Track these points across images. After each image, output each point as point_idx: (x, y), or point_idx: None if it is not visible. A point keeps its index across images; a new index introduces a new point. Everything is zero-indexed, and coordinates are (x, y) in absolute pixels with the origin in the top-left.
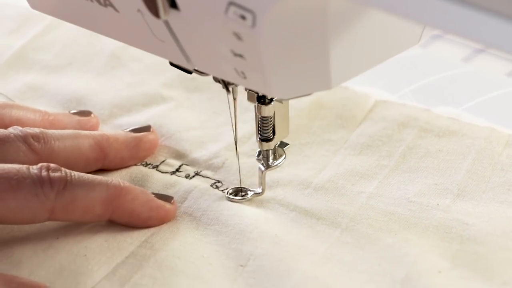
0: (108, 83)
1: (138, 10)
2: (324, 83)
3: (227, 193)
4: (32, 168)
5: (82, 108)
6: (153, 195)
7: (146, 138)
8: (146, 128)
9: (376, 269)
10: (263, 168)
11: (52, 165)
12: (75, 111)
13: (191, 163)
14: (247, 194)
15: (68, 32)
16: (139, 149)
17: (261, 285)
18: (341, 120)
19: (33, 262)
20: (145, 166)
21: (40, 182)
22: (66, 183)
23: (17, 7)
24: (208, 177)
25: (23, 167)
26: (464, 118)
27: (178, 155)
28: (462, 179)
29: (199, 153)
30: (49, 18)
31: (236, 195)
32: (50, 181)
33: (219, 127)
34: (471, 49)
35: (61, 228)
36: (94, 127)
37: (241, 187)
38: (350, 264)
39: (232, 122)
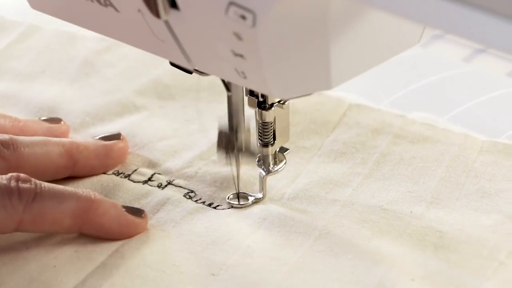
0: (81, 91)
1: (139, 10)
2: (324, 83)
3: (227, 198)
4: (1, 178)
5: (55, 116)
6: (124, 209)
7: (116, 146)
8: (116, 136)
9: (349, 277)
10: (263, 173)
11: (22, 175)
12: (45, 117)
13: (164, 172)
14: (248, 199)
15: (42, 40)
16: (109, 157)
17: None
18: (315, 125)
19: (1, 273)
20: (117, 175)
21: (8, 193)
22: (35, 195)
23: None
24: (181, 187)
25: None
26: (439, 124)
27: (151, 164)
28: (436, 187)
29: (171, 162)
30: (23, 27)
31: (236, 200)
32: (19, 192)
33: (191, 135)
34: (471, 49)
35: (31, 238)
36: (64, 134)
37: (241, 192)
38: (323, 272)
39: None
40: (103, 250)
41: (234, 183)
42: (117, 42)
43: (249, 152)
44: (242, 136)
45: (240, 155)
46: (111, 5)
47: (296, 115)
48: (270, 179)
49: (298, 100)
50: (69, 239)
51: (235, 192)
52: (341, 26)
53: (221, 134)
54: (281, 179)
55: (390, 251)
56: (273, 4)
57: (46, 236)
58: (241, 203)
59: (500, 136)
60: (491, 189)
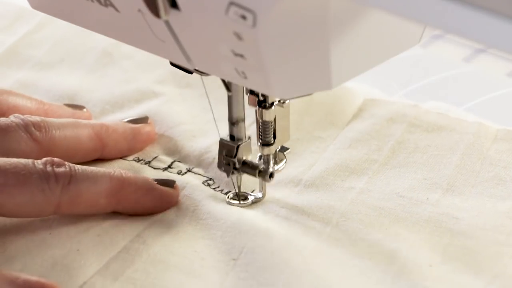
0: (100, 80)
1: (139, 10)
2: (325, 83)
3: (228, 197)
4: (37, 163)
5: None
6: (155, 182)
7: (144, 129)
8: (144, 120)
9: (367, 263)
10: None
11: (56, 159)
12: (68, 103)
13: (183, 159)
14: (248, 198)
15: (60, 29)
16: (137, 140)
17: (253, 279)
18: (332, 116)
19: (25, 257)
20: (138, 161)
21: (46, 177)
22: (71, 178)
23: (9, 4)
24: (200, 174)
25: (29, 161)
26: (452, 113)
27: (170, 151)
28: (451, 174)
29: (190, 148)
30: (41, 15)
31: (236, 199)
32: (56, 176)
33: (209, 122)
34: (471, 49)
35: (54, 223)
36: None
37: (241, 192)
38: (341, 259)
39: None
40: (126, 235)
41: (234, 187)
42: None
43: (250, 164)
44: (242, 148)
45: (241, 168)
46: (111, 5)
47: (312, 105)
48: (284, 168)
49: None
50: (91, 223)
51: (235, 191)
52: (342, 26)
53: (222, 148)
54: (298, 167)
55: (407, 238)
56: (273, 4)
57: (69, 222)
58: (241, 203)
59: None
60: (506, 176)
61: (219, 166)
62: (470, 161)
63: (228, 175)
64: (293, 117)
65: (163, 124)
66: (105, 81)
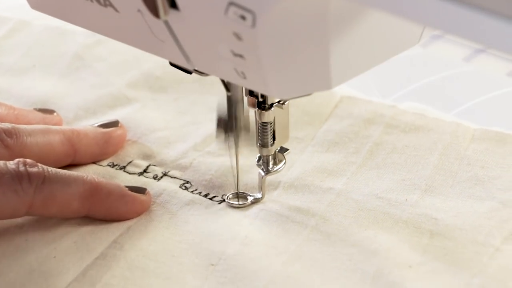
0: (73, 85)
1: (138, 10)
2: (324, 83)
3: (227, 198)
4: (9, 164)
5: None
6: (127, 189)
7: (115, 133)
8: (114, 123)
9: (346, 265)
10: (263, 173)
11: (28, 160)
12: (38, 108)
13: (159, 163)
14: (247, 199)
15: (32, 35)
16: (108, 144)
17: (233, 284)
18: (308, 116)
19: (2, 264)
20: (112, 167)
21: (18, 177)
22: (44, 179)
23: None
24: (176, 177)
25: (0, 162)
26: (430, 113)
27: (146, 155)
28: (430, 175)
29: (166, 154)
30: (11, 22)
31: (236, 199)
32: (29, 176)
33: (185, 126)
34: (471, 49)
35: (30, 229)
36: (58, 125)
37: (240, 192)
38: (320, 261)
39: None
40: (102, 241)
41: (233, 172)
42: None
43: (248, 132)
44: (241, 120)
45: (239, 138)
46: (111, 5)
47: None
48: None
49: None
50: (67, 230)
51: (234, 191)
52: (341, 26)
53: (220, 119)
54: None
55: (386, 239)
56: (273, 4)
57: (45, 228)
58: (240, 203)
59: None
60: (484, 176)
61: (217, 133)
62: (448, 161)
63: (225, 144)
64: None
65: (137, 131)
66: (77, 85)
